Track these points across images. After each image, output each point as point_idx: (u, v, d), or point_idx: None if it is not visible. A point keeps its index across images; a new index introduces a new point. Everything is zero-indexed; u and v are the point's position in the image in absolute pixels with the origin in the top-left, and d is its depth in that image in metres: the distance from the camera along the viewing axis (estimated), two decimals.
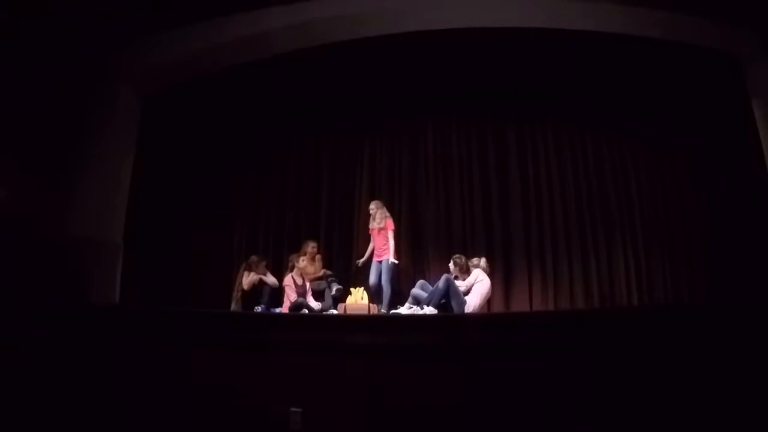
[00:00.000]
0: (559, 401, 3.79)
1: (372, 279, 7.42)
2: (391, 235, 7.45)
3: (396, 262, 7.43)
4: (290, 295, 7.06)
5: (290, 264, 7.43)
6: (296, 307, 6.87)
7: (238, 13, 6.89)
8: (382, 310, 6.97)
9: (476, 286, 6.74)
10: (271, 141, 9.12)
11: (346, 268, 8.24)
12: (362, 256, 7.88)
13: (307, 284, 7.35)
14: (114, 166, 6.95)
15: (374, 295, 7.34)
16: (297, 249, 7.79)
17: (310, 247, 7.73)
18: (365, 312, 6.75)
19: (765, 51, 6.00)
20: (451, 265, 7.03)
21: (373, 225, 7.62)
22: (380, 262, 7.44)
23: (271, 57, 7.24)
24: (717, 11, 6.07)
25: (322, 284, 7.48)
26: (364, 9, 6.68)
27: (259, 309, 6.91)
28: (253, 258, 7.43)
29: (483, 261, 7.16)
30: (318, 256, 7.84)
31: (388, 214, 7.65)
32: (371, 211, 7.68)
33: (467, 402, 3.95)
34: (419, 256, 8.26)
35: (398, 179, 8.70)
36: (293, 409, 4.15)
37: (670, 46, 6.62)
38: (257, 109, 8.76)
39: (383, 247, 7.48)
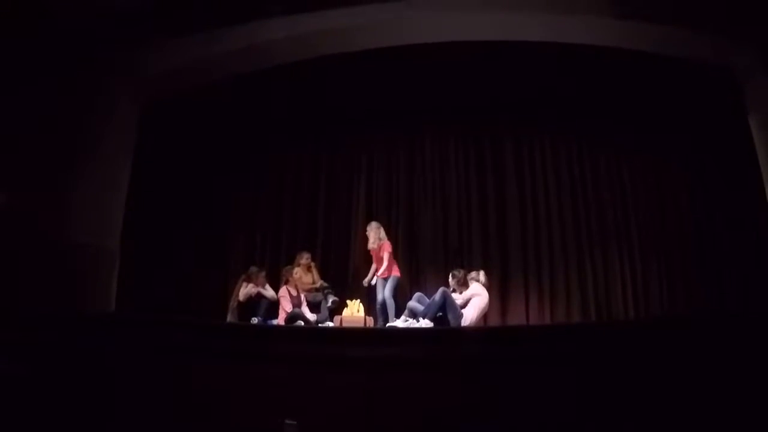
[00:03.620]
0: (557, 414, 3.77)
1: (379, 296, 7.34)
2: (387, 256, 7.41)
3: (397, 275, 7.41)
4: (285, 307, 7.04)
5: (284, 277, 7.40)
6: (292, 318, 6.84)
7: (237, 24, 6.92)
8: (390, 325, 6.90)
9: (474, 300, 6.72)
10: (268, 151, 9.11)
11: (342, 280, 8.22)
12: (357, 268, 7.88)
13: (302, 295, 7.32)
14: (112, 174, 6.93)
15: (380, 311, 7.28)
16: (292, 260, 7.78)
17: (304, 258, 7.73)
18: (361, 325, 6.72)
19: (762, 66, 6.04)
20: (449, 278, 7.01)
21: (373, 246, 7.58)
22: (385, 279, 7.37)
23: (269, 68, 7.27)
24: (715, 26, 6.12)
25: (318, 296, 7.45)
26: (363, 22, 6.72)
27: (255, 320, 6.87)
28: (253, 269, 7.40)
29: (482, 275, 7.13)
30: (313, 265, 7.81)
31: (382, 236, 7.60)
32: (367, 233, 7.67)
33: (465, 415, 3.94)
34: (416, 269, 8.24)
35: (395, 191, 8.70)
36: (288, 421, 4.12)
37: (667, 61, 6.67)
38: (255, 119, 8.76)
39: (381, 265, 7.43)
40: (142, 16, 6.90)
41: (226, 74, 7.36)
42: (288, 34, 6.84)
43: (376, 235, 7.57)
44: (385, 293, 7.26)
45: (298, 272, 7.48)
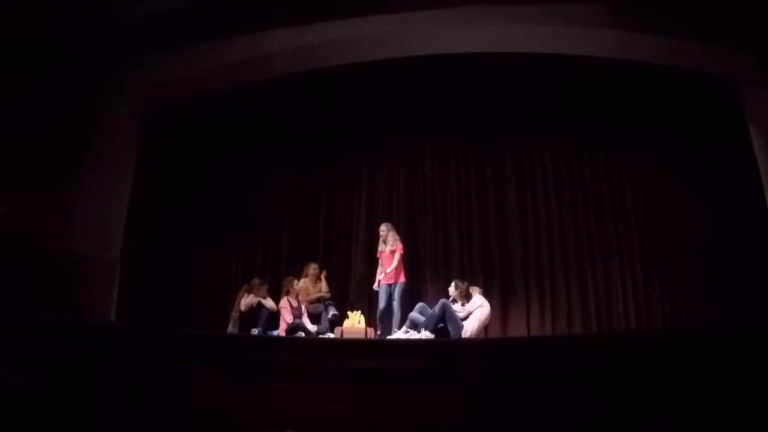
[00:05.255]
0: (558, 426, 3.75)
1: (381, 303, 7.20)
2: (398, 257, 7.23)
3: (404, 281, 7.24)
4: (286, 318, 7.03)
5: (285, 288, 7.38)
6: (292, 329, 6.83)
7: (238, 35, 6.97)
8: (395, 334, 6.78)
9: (476, 311, 6.70)
10: (270, 162, 9.13)
11: (343, 291, 8.19)
12: (358, 280, 7.83)
13: (303, 306, 7.31)
14: (113, 184, 6.96)
15: (382, 319, 7.18)
16: (294, 271, 7.76)
17: (312, 268, 7.68)
18: (362, 336, 6.70)
19: (762, 76, 6.06)
20: (452, 288, 6.99)
21: (384, 248, 7.37)
22: (390, 285, 7.20)
23: (271, 79, 7.31)
24: (715, 37, 6.15)
25: (319, 307, 7.43)
26: (363, 33, 6.77)
27: (255, 331, 6.86)
28: (255, 281, 7.41)
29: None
30: (322, 275, 7.75)
31: (398, 237, 7.44)
32: (381, 234, 7.43)
33: (466, 427, 3.91)
34: (417, 280, 8.19)
35: (396, 202, 8.70)
36: None
37: (668, 71, 6.70)
38: (257, 129, 8.80)
39: (393, 270, 7.23)
40: (145, 27, 6.95)
41: (227, 84, 7.40)
42: (289, 46, 6.89)
43: (394, 236, 7.39)
44: (393, 303, 7.12)
45: (304, 283, 7.47)
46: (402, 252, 7.34)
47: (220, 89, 7.45)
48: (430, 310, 6.70)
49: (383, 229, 7.48)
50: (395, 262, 7.20)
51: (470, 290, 6.99)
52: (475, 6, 6.51)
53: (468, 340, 6.25)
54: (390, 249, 7.32)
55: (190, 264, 8.55)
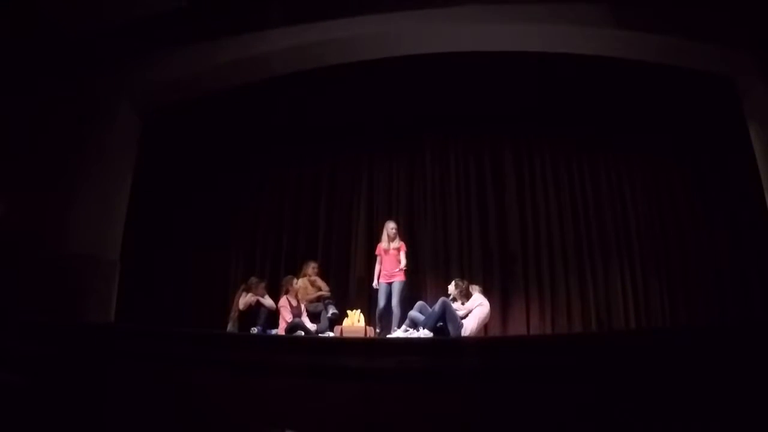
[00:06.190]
0: (559, 425, 3.75)
1: (381, 302, 7.20)
2: (403, 255, 7.24)
3: (403, 280, 7.22)
4: (286, 317, 7.03)
5: (284, 287, 7.38)
6: (292, 328, 6.83)
7: (238, 34, 6.97)
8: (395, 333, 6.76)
9: (476, 310, 6.71)
10: (269, 161, 9.15)
11: (343, 290, 8.20)
12: (358, 279, 7.83)
13: (302, 305, 7.31)
14: (112, 184, 6.96)
15: (382, 318, 7.19)
16: (293, 270, 7.77)
17: (311, 268, 7.68)
18: (361, 335, 6.70)
19: (762, 75, 6.06)
20: (452, 286, 7.00)
21: (389, 245, 7.33)
22: (389, 284, 7.21)
23: (270, 78, 7.31)
24: (715, 37, 6.15)
25: (319, 306, 7.43)
26: (363, 32, 6.77)
27: (255, 330, 6.87)
28: (253, 279, 7.43)
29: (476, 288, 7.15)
30: (311, 269, 7.74)
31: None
32: (393, 231, 7.36)
33: (466, 426, 3.90)
34: (417, 279, 8.20)
35: (396, 201, 8.72)
36: None
37: (668, 71, 6.70)
38: (256, 129, 8.81)
39: (395, 268, 7.25)
40: (145, 27, 6.95)
41: (227, 84, 7.40)
42: (288, 45, 6.89)
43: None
44: (393, 301, 7.10)
45: (303, 282, 7.47)
46: (405, 249, 7.35)
47: (220, 89, 7.45)
48: (429, 308, 6.69)
49: (395, 226, 7.43)
50: (404, 259, 7.22)
51: (470, 289, 6.99)
52: (475, 5, 6.51)
53: (468, 339, 6.24)
54: (394, 247, 7.33)
55: (190, 264, 8.56)
